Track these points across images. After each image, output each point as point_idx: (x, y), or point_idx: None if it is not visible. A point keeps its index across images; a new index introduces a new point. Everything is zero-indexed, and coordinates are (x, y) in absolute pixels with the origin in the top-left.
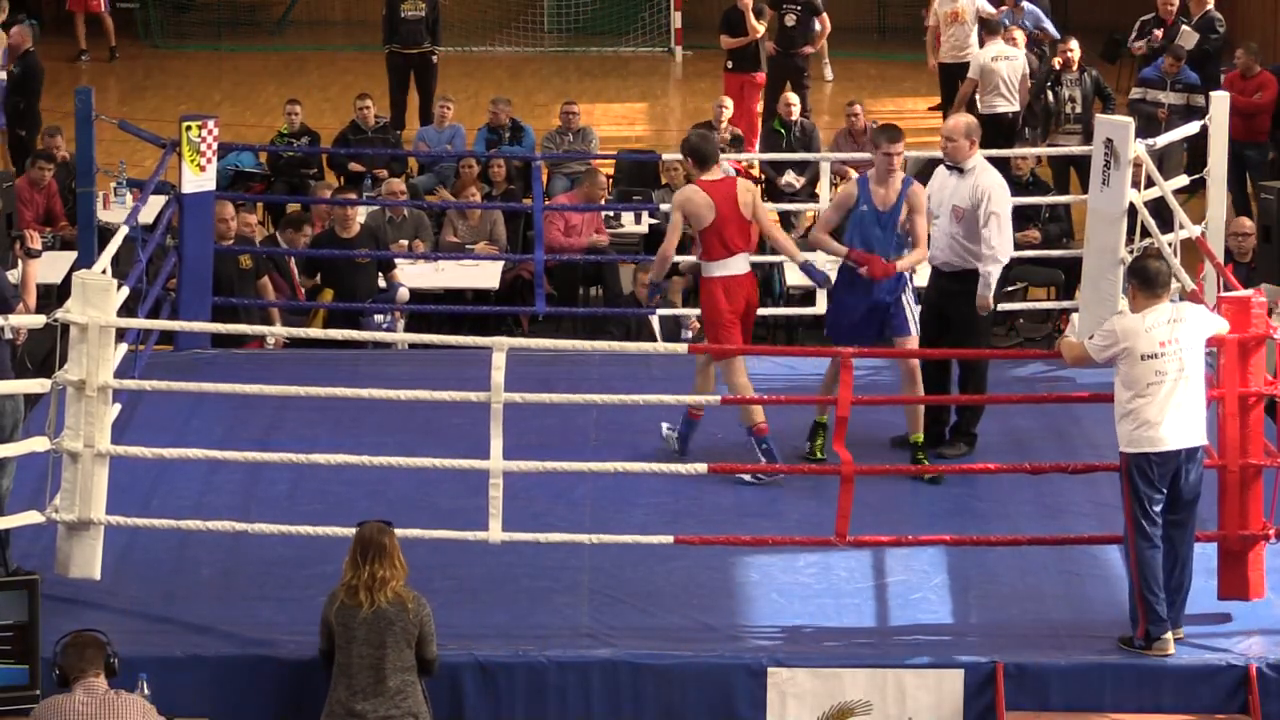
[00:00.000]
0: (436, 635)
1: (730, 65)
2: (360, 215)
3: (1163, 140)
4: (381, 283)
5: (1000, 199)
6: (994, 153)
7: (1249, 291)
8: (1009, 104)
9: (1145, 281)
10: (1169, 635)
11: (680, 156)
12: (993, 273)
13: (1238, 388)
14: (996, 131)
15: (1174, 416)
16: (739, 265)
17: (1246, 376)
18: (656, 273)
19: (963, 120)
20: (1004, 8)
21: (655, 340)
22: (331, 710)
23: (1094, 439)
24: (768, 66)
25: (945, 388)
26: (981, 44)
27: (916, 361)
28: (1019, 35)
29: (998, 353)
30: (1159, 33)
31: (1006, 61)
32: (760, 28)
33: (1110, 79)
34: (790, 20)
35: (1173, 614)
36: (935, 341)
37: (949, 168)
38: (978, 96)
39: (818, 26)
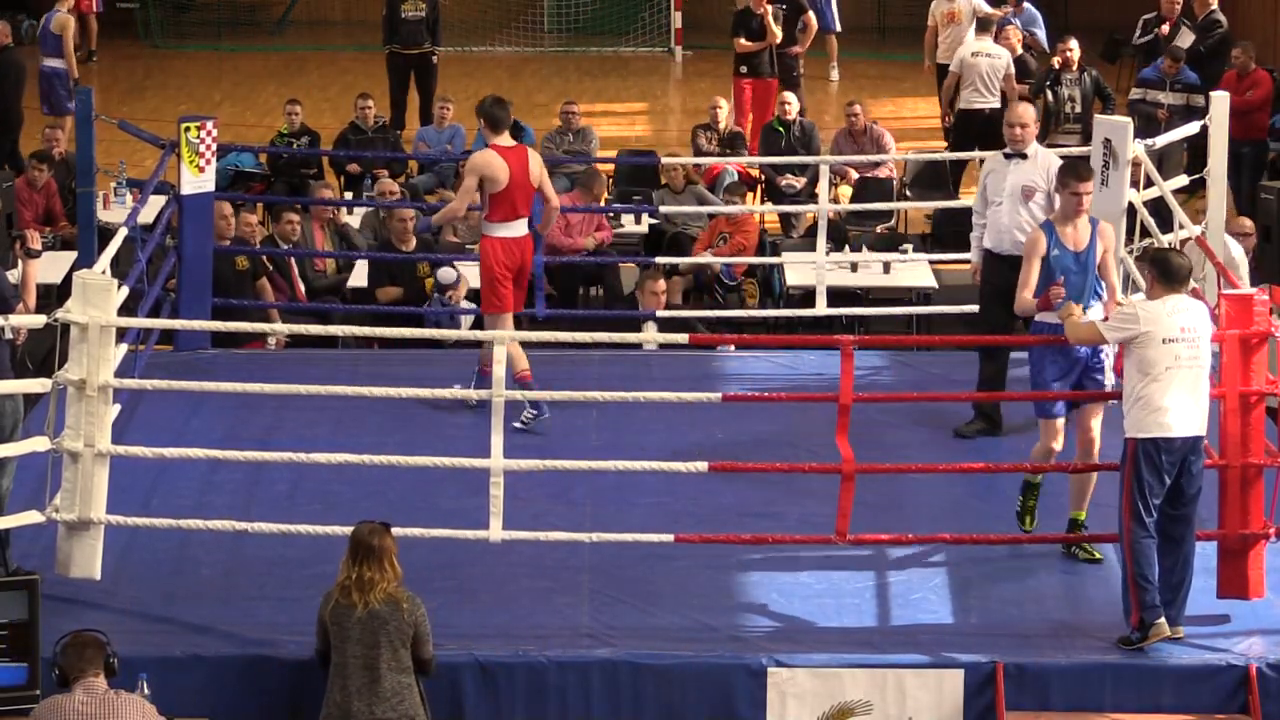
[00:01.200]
0: (437, 635)
1: (744, 70)
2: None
3: (1162, 140)
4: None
5: None
6: (975, 154)
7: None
8: (986, 100)
9: (1165, 274)
10: (1162, 620)
11: (681, 160)
12: None
13: (1239, 385)
14: (971, 127)
15: (1184, 403)
16: (520, 228)
17: (1249, 374)
18: (442, 218)
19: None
20: (1006, 7)
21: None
22: (328, 711)
23: None
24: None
25: (1005, 367)
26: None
27: (1097, 434)
28: (1015, 35)
29: (1010, 339)
30: (1164, 28)
31: (987, 58)
32: (779, 32)
33: (1110, 79)
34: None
35: (1172, 612)
36: (1002, 324)
37: (1008, 155)
38: (960, 90)
39: (802, 25)
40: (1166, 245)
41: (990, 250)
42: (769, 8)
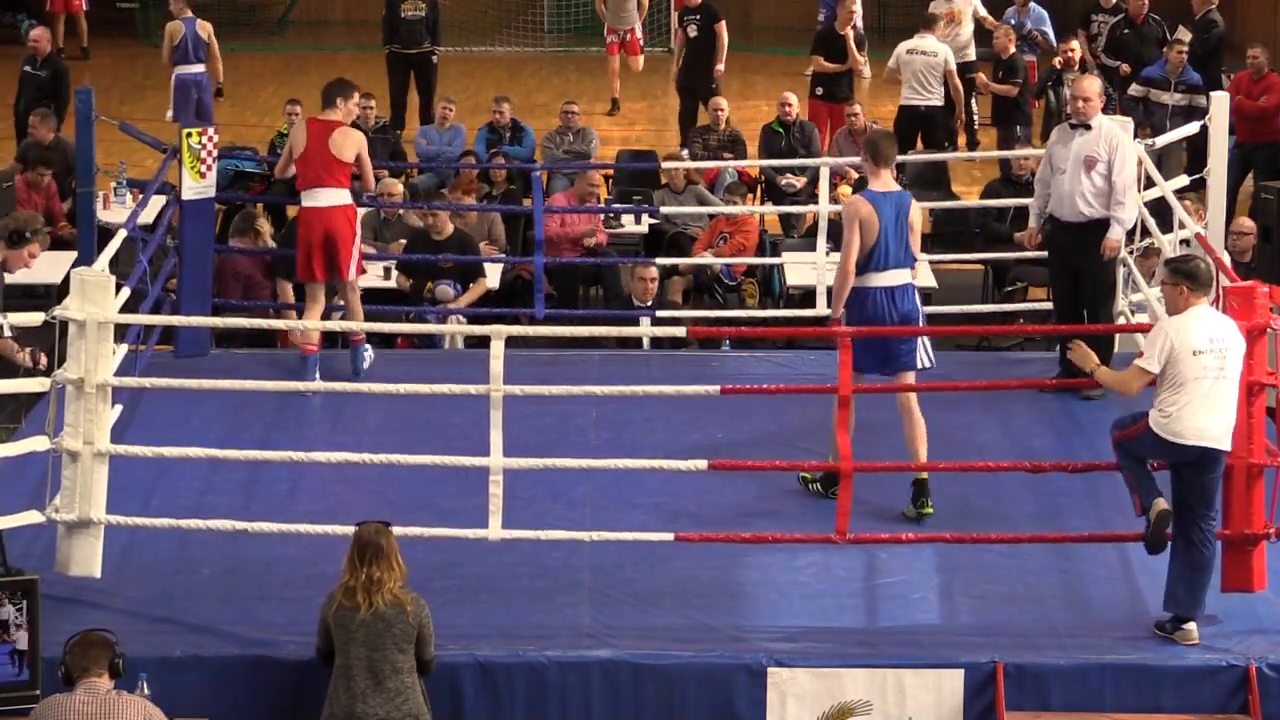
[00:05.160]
0: (437, 635)
1: (819, 92)
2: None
3: (1162, 140)
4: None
5: (1130, 148)
6: (929, 156)
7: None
8: (922, 98)
9: (1195, 279)
10: (1162, 499)
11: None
12: (1126, 219)
13: (1247, 377)
14: (911, 124)
15: (1205, 414)
16: (317, 198)
17: (1252, 366)
18: (282, 168)
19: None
20: (1011, 7)
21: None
22: (331, 711)
23: (1094, 439)
24: (682, 79)
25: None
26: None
27: (915, 399)
28: (1008, 34)
29: (1010, 329)
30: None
31: (922, 56)
32: (862, 59)
33: (1110, 79)
34: (692, 31)
35: (1191, 602)
36: (1071, 293)
37: (1072, 126)
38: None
39: (720, 36)
40: (1171, 251)
41: (1053, 216)
42: (851, 31)
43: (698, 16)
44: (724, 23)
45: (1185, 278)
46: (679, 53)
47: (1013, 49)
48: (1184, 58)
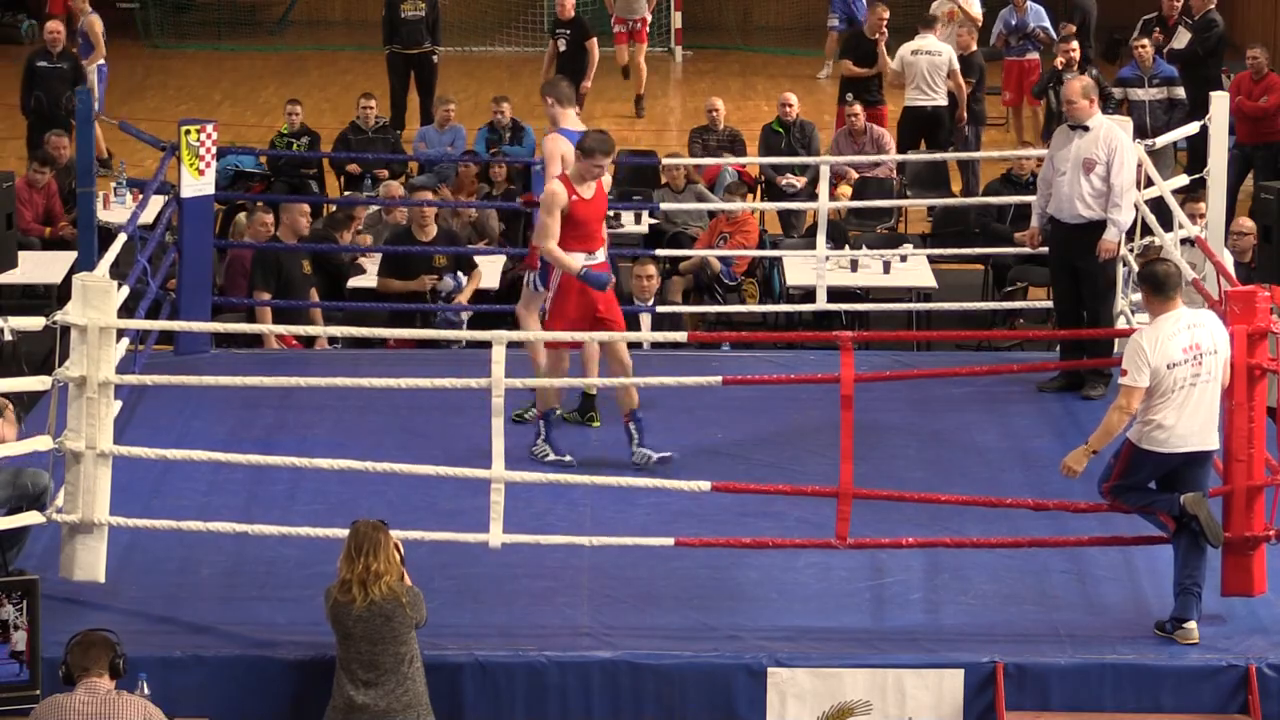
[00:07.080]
0: (436, 635)
1: (849, 98)
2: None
3: (1162, 140)
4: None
5: (1129, 150)
6: (927, 155)
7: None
8: (928, 98)
9: (1158, 286)
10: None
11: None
12: (1123, 220)
13: (1243, 380)
14: (917, 124)
15: (1188, 423)
16: None
17: (1252, 351)
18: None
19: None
20: (1006, 8)
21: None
22: (335, 704)
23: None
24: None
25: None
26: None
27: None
28: (969, 35)
29: (1010, 334)
30: (1158, 34)
31: (927, 56)
32: (891, 62)
33: (1111, 79)
34: (562, 45)
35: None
36: (1071, 293)
37: (1072, 127)
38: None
39: (589, 53)
40: (1149, 255)
41: (1053, 217)
42: (885, 34)
43: (569, 31)
44: (594, 40)
45: (1149, 286)
46: (547, 65)
47: (974, 47)
48: (1149, 52)
